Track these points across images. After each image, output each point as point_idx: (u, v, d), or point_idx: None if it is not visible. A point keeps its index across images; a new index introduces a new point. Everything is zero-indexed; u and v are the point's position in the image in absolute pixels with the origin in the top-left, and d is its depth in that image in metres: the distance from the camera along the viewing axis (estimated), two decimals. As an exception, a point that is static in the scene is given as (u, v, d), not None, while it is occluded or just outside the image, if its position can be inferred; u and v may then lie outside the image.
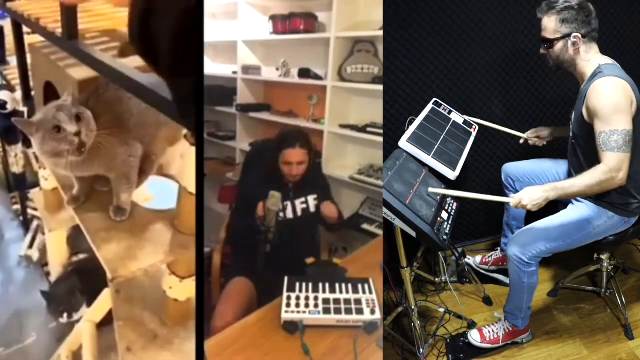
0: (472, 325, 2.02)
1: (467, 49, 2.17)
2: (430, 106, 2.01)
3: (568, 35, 1.65)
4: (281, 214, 1.84)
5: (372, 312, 1.40)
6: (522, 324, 1.89)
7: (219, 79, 3.50)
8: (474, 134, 2.04)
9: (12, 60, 2.33)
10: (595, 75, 1.61)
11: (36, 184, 1.97)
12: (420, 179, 1.71)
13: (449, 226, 1.61)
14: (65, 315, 1.94)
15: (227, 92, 3.46)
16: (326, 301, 1.44)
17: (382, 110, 2.17)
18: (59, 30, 1.45)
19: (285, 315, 1.38)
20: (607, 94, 1.56)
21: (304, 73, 2.94)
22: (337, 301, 1.45)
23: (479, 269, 2.28)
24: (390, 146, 1.93)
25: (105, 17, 1.68)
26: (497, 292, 2.19)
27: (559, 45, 1.68)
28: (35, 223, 2.75)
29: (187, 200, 1.24)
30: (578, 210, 1.75)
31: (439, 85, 2.19)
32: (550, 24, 1.68)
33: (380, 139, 2.28)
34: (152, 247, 1.28)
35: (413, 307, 1.83)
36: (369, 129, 2.62)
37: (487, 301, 2.16)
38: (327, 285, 1.52)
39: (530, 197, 1.57)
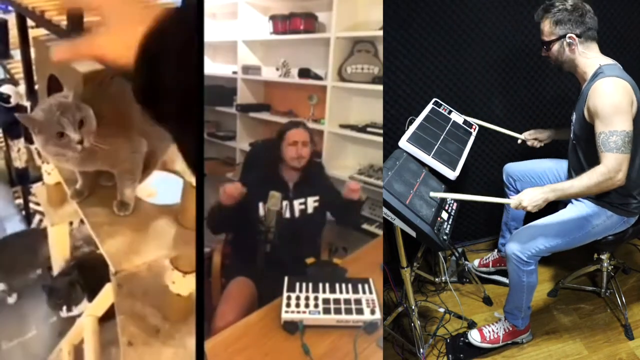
0: (472, 325, 2.02)
1: (467, 49, 2.17)
2: (430, 106, 2.01)
3: (563, 36, 1.66)
4: (287, 213, 1.84)
5: (372, 312, 1.40)
6: (522, 323, 1.89)
7: (219, 79, 3.50)
8: (474, 134, 2.04)
9: (16, 54, 2.32)
10: (597, 75, 1.62)
11: (39, 179, 1.97)
12: (420, 179, 1.71)
13: (449, 226, 1.61)
14: (64, 308, 1.95)
15: (227, 92, 3.46)
16: (326, 301, 1.44)
17: (382, 110, 2.17)
18: (64, 23, 1.44)
19: (285, 315, 1.38)
20: (607, 94, 1.56)
21: (304, 73, 2.95)
22: (337, 301, 1.45)
23: (478, 273, 2.28)
24: (390, 146, 1.93)
25: None
26: (497, 292, 2.19)
27: (555, 47, 1.69)
28: (37, 218, 2.75)
29: (191, 195, 1.24)
30: (577, 209, 1.76)
31: (439, 85, 2.19)
32: (546, 27, 1.70)
33: (380, 139, 2.29)
34: (155, 241, 1.27)
35: (413, 307, 1.83)
36: (369, 129, 2.62)
37: (487, 301, 2.16)
38: (327, 285, 1.52)
39: (529, 198, 1.57)
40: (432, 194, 1.66)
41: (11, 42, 2.42)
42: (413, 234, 1.53)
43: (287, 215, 1.88)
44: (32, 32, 1.89)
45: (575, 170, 1.80)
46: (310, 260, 1.74)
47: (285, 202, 1.86)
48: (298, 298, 1.45)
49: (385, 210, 1.52)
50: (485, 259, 2.29)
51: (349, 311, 1.40)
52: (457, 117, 2.05)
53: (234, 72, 3.42)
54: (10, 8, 2.47)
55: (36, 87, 1.92)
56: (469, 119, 2.09)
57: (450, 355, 1.91)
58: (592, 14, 1.66)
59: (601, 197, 1.71)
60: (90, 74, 1.38)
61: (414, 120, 1.90)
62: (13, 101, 2.20)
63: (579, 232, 1.74)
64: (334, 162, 2.87)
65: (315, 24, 2.92)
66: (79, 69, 1.38)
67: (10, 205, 2.83)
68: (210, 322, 1.60)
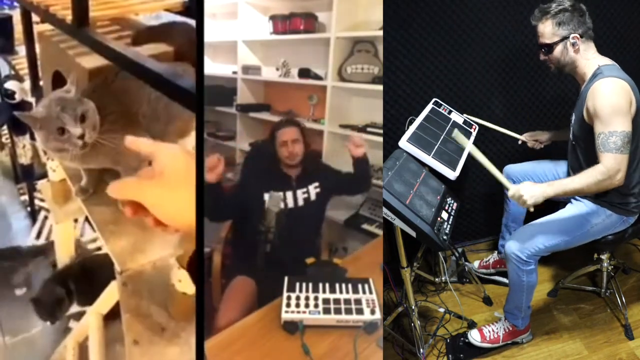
0: (472, 325, 2.02)
1: (467, 49, 2.17)
2: (430, 106, 2.01)
3: (566, 37, 1.65)
4: (290, 203, 1.83)
5: (372, 312, 1.40)
6: (522, 323, 1.89)
7: (219, 79, 3.50)
8: (474, 134, 2.04)
9: (21, 50, 2.32)
10: (596, 76, 1.62)
11: (44, 175, 1.97)
12: (420, 179, 1.71)
13: (449, 226, 1.61)
14: (48, 322, 1.95)
15: (227, 92, 3.46)
16: (326, 301, 1.44)
17: (382, 110, 2.17)
18: (69, 18, 1.43)
19: (285, 315, 1.38)
20: (606, 95, 1.56)
21: (304, 73, 2.94)
22: (337, 301, 1.44)
23: (478, 274, 2.28)
24: (390, 146, 1.93)
25: (116, 5, 1.66)
26: (497, 292, 2.19)
27: (558, 49, 1.68)
28: (42, 214, 2.75)
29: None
30: (576, 208, 1.76)
31: (439, 85, 2.19)
32: (547, 29, 1.68)
33: (380, 139, 2.28)
34: (160, 240, 1.27)
35: (413, 307, 1.83)
36: (369, 129, 2.61)
37: (487, 301, 2.16)
38: (327, 285, 1.52)
39: (528, 191, 1.58)
40: (456, 131, 1.66)
41: (16, 38, 2.41)
42: (413, 234, 1.53)
43: (292, 205, 1.88)
44: (37, 28, 1.88)
45: (574, 170, 1.80)
46: (310, 260, 1.74)
47: (289, 193, 1.86)
48: (298, 298, 1.45)
49: (385, 210, 1.52)
50: (486, 261, 2.29)
51: (349, 311, 1.40)
52: (457, 117, 2.05)
53: (234, 72, 3.41)
54: (15, 3, 2.45)
55: (41, 83, 1.91)
56: (471, 118, 2.08)
57: (450, 355, 1.91)
58: (587, 13, 1.66)
59: (600, 196, 1.71)
60: (95, 69, 1.37)
61: (414, 120, 1.90)
62: (18, 97, 2.19)
63: (579, 231, 1.74)
64: (334, 162, 2.85)
65: (315, 24, 2.91)
66: (84, 64, 1.37)
67: (16, 201, 2.84)
68: (213, 321, 1.60)
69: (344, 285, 1.53)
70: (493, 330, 1.92)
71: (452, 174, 1.72)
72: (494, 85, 2.26)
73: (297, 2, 2.99)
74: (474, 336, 1.92)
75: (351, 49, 2.73)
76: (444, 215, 1.64)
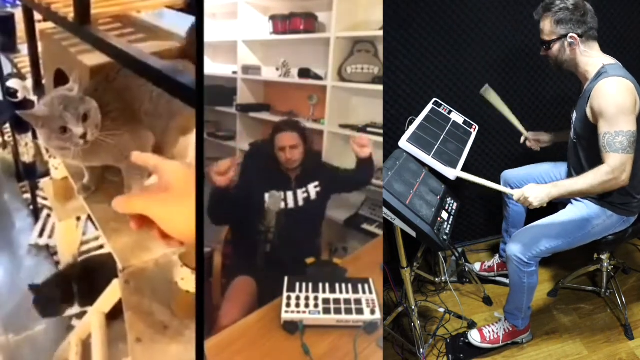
0: (472, 325, 2.02)
1: (467, 49, 2.17)
2: (430, 106, 2.01)
3: (564, 36, 1.65)
4: (290, 203, 1.82)
5: (372, 312, 1.40)
6: (522, 324, 1.89)
7: (219, 79, 3.50)
8: (474, 134, 2.04)
9: (23, 48, 2.30)
10: (600, 75, 1.61)
11: (46, 173, 1.97)
12: (420, 179, 1.71)
13: (449, 226, 1.61)
14: (44, 320, 1.94)
15: (227, 92, 3.46)
16: (326, 301, 1.44)
17: (382, 110, 2.17)
18: (71, 16, 1.42)
19: (285, 315, 1.38)
20: (612, 94, 1.56)
21: (304, 73, 2.94)
22: (337, 301, 1.44)
23: (480, 275, 2.27)
24: (390, 146, 1.93)
25: (118, 2, 1.65)
26: (497, 292, 2.19)
27: (556, 47, 1.68)
28: (45, 212, 2.75)
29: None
30: (577, 210, 1.75)
31: (439, 85, 2.19)
32: (547, 26, 1.68)
33: (380, 139, 2.28)
34: None
35: (413, 307, 1.83)
36: (369, 129, 2.61)
37: (487, 301, 2.16)
38: (327, 285, 1.52)
39: (533, 192, 1.57)
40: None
41: (18, 37, 2.40)
42: (413, 234, 1.53)
43: (291, 205, 1.88)
44: (39, 26, 1.87)
45: (575, 169, 1.80)
46: (310, 260, 1.74)
47: (289, 193, 1.86)
48: (298, 298, 1.45)
49: (385, 210, 1.52)
50: (488, 265, 2.28)
51: (349, 311, 1.40)
52: (457, 117, 2.05)
53: (234, 72, 3.41)
54: (17, 2, 2.45)
55: (43, 81, 1.91)
56: (487, 94, 1.98)
57: (450, 355, 1.91)
58: (592, 13, 1.65)
59: (602, 197, 1.70)
60: (97, 67, 1.36)
61: (414, 120, 1.90)
62: (20, 96, 2.19)
63: (580, 233, 1.74)
64: (334, 162, 2.86)
65: (315, 24, 2.91)
66: (86, 62, 1.36)
67: (18, 199, 2.84)
68: (214, 321, 1.60)
69: (344, 285, 1.53)
70: (493, 331, 1.91)
71: (452, 174, 1.72)
72: (494, 85, 2.25)
73: (297, 2, 2.99)
74: (474, 337, 1.92)
75: (351, 49, 2.73)
76: (444, 215, 1.64)
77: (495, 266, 2.25)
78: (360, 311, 1.41)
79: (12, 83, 2.20)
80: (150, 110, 1.34)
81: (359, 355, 1.28)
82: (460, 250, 2.28)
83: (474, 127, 2.07)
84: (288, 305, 1.42)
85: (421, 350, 1.79)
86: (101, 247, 2.34)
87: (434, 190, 1.72)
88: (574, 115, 1.75)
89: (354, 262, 1.76)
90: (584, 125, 1.67)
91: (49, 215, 2.70)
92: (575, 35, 1.64)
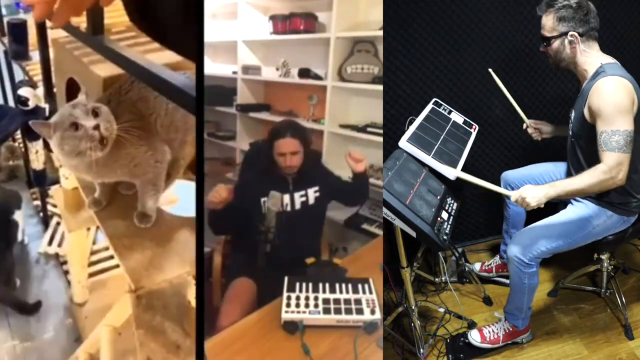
0: (472, 325, 2.02)
1: (467, 49, 2.17)
2: (430, 106, 2.01)
3: (565, 34, 1.65)
4: (287, 205, 1.82)
5: (372, 312, 1.40)
6: (522, 324, 1.89)
7: (219, 79, 3.50)
8: (474, 134, 2.04)
9: (35, 55, 2.28)
10: (598, 74, 1.61)
11: (57, 181, 1.95)
12: (420, 179, 1.71)
13: (449, 226, 1.61)
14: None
15: (227, 92, 3.46)
16: (326, 301, 1.44)
17: (382, 110, 2.17)
18: (83, 25, 1.41)
19: (285, 315, 1.38)
20: (609, 93, 1.56)
21: (304, 73, 2.94)
22: (337, 301, 1.44)
23: (480, 276, 2.27)
24: (390, 146, 1.93)
25: None
26: (497, 292, 2.19)
27: (556, 44, 1.68)
28: (54, 220, 2.74)
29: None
30: (577, 210, 1.75)
31: (439, 85, 2.19)
32: (548, 22, 1.67)
33: (380, 139, 2.28)
34: (178, 257, 1.21)
35: (413, 307, 1.83)
36: (369, 129, 2.61)
37: (487, 301, 2.16)
38: (327, 285, 1.52)
39: (530, 193, 1.57)
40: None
41: (30, 44, 2.38)
42: (413, 234, 1.53)
43: (289, 208, 1.88)
44: (52, 34, 1.84)
45: (575, 169, 1.80)
46: (310, 260, 1.74)
47: (286, 196, 1.85)
48: (298, 298, 1.45)
49: (385, 210, 1.52)
50: (487, 265, 2.28)
51: (349, 311, 1.40)
52: (457, 117, 2.05)
53: (234, 72, 3.41)
54: (29, 9, 2.43)
55: (55, 89, 1.89)
56: (494, 78, 1.99)
57: (450, 355, 1.91)
58: (595, 13, 1.65)
59: (601, 197, 1.70)
60: (110, 78, 1.32)
61: (414, 120, 1.90)
62: (31, 104, 2.17)
63: (580, 233, 1.74)
64: (334, 162, 2.85)
65: (315, 24, 2.91)
66: (100, 73, 1.32)
67: (28, 206, 2.83)
68: (214, 321, 1.60)
69: (344, 285, 1.53)
70: (493, 331, 1.91)
71: (452, 174, 1.72)
72: (494, 85, 2.26)
73: (297, 2, 2.99)
74: (474, 337, 1.92)
75: (351, 49, 2.73)
76: (444, 215, 1.64)
77: (495, 267, 2.25)
78: (360, 311, 1.40)
79: (23, 91, 2.18)
80: (166, 122, 1.28)
81: (359, 355, 1.28)
82: (460, 250, 2.28)
83: (474, 127, 2.07)
84: (288, 305, 1.41)
85: (421, 350, 1.79)
86: (112, 257, 2.33)
87: (434, 190, 1.72)
88: (572, 114, 1.75)
89: (354, 262, 1.76)
90: (581, 125, 1.68)
91: (58, 223, 2.68)
92: (576, 34, 1.64)
